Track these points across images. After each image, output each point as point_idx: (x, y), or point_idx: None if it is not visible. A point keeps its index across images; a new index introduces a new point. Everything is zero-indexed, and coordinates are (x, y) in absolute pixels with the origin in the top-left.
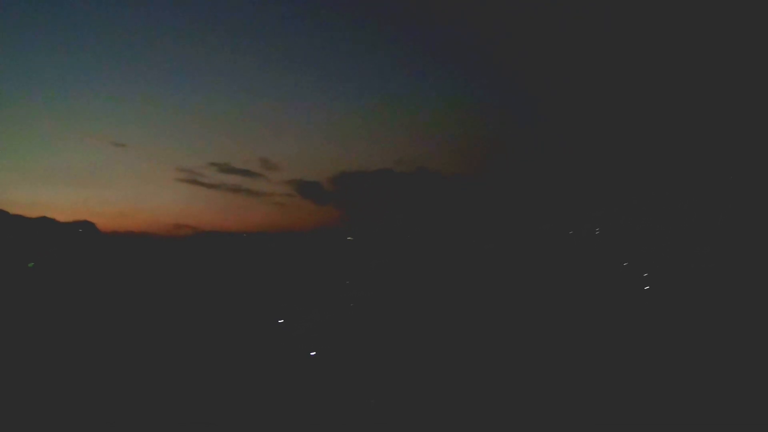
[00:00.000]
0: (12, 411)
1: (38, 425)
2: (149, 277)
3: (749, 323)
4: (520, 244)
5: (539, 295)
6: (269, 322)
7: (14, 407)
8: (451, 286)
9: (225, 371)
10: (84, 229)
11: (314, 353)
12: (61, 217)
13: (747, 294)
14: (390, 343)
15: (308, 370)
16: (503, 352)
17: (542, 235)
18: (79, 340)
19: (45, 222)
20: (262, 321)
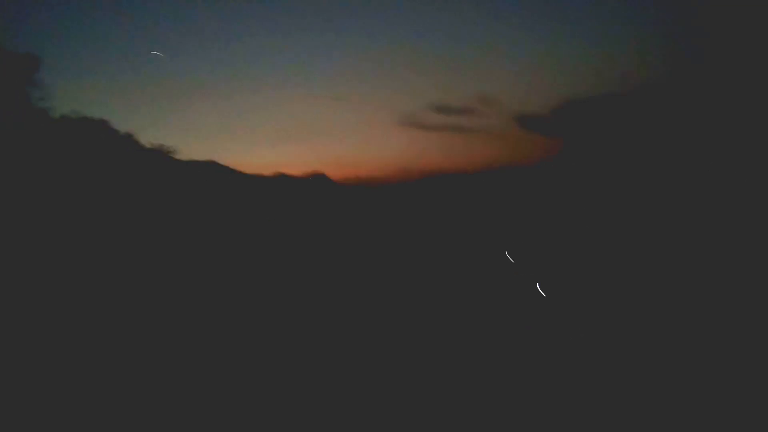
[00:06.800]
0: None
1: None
2: (386, 224)
3: None
4: None
5: None
6: (503, 257)
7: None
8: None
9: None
10: (319, 181)
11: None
12: (296, 171)
13: None
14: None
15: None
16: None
17: None
18: (315, 288)
19: (283, 179)
20: (497, 256)
